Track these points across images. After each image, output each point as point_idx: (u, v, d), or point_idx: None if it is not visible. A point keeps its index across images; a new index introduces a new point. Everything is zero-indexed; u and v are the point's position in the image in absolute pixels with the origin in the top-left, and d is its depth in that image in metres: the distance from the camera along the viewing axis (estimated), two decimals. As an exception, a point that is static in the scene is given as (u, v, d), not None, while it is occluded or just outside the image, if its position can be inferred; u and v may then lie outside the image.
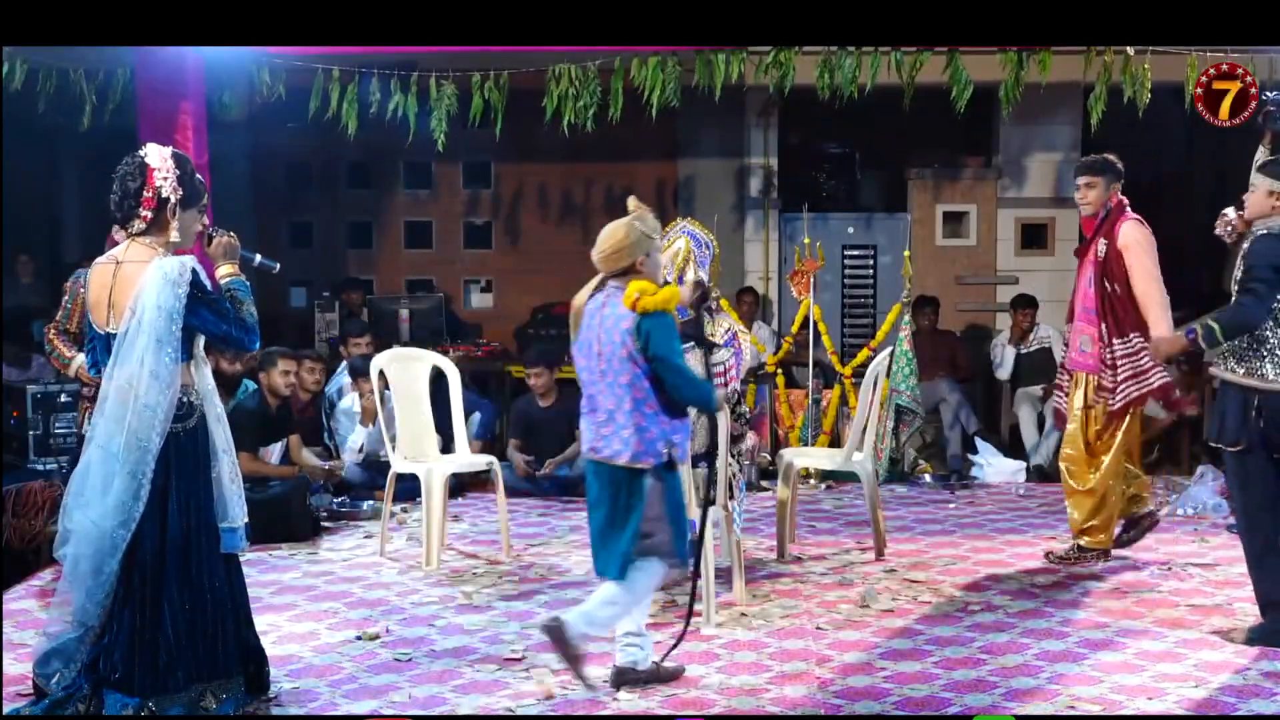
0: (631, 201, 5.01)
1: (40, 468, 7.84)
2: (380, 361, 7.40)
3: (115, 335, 4.46)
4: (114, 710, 4.43)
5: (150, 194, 4.51)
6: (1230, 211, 5.94)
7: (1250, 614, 5.82)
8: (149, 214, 4.52)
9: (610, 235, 4.89)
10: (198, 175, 4.66)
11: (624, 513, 4.81)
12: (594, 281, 4.94)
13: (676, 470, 4.90)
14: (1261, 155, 7.23)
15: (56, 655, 4.49)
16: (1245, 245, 5.59)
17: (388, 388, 7.49)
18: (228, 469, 4.65)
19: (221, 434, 4.64)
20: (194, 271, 4.46)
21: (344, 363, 9.01)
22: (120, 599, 4.46)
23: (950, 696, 4.88)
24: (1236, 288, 5.50)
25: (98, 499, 4.41)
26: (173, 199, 4.54)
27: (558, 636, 4.79)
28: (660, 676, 5.02)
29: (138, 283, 4.43)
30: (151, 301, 4.40)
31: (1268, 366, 5.38)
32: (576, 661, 4.83)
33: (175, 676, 4.47)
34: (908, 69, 8.19)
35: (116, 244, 5.54)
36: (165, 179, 4.52)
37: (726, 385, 5.96)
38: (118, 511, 4.39)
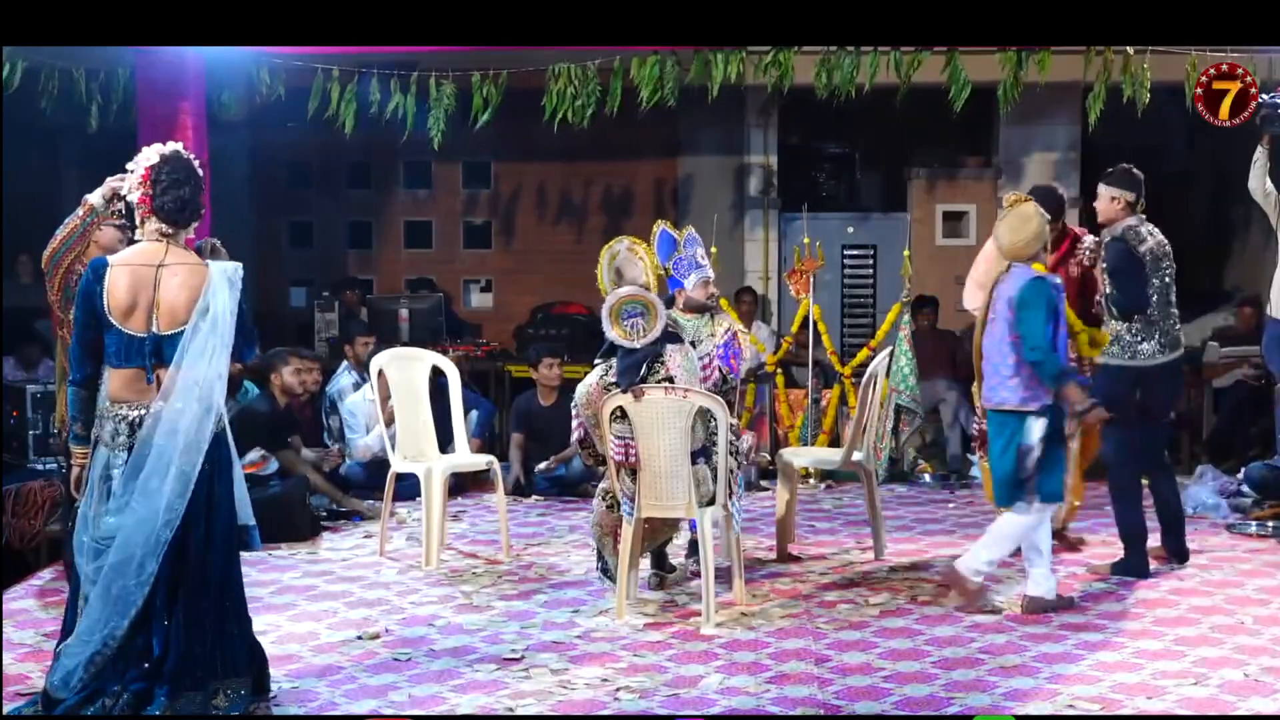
0: (1011, 196, 6.14)
1: (40, 468, 7.83)
2: (380, 361, 7.41)
3: (164, 338, 4.51)
4: (137, 705, 4.45)
5: (202, 195, 4.69)
6: (1088, 238, 6.86)
7: (1248, 612, 5.88)
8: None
9: (1024, 226, 5.86)
10: None
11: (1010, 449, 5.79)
12: (1003, 268, 5.92)
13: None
14: (1260, 155, 7.28)
15: (71, 661, 4.49)
16: (1102, 252, 6.59)
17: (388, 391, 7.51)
18: (239, 468, 4.77)
19: (231, 434, 4.75)
20: None
21: (344, 363, 9.01)
22: (164, 596, 4.49)
23: (950, 696, 4.88)
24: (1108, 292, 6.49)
25: (143, 500, 4.44)
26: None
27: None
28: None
29: (192, 285, 4.52)
30: (223, 305, 4.52)
31: (1144, 346, 6.39)
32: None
33: (194, 674, 4.52)
34: (906, 69, 8.19)
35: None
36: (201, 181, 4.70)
37: (709, 378, 6.00)
38: (166, 511, 4.45)
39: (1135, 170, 6.64)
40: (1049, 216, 6.21)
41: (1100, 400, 5.96)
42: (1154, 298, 6.45)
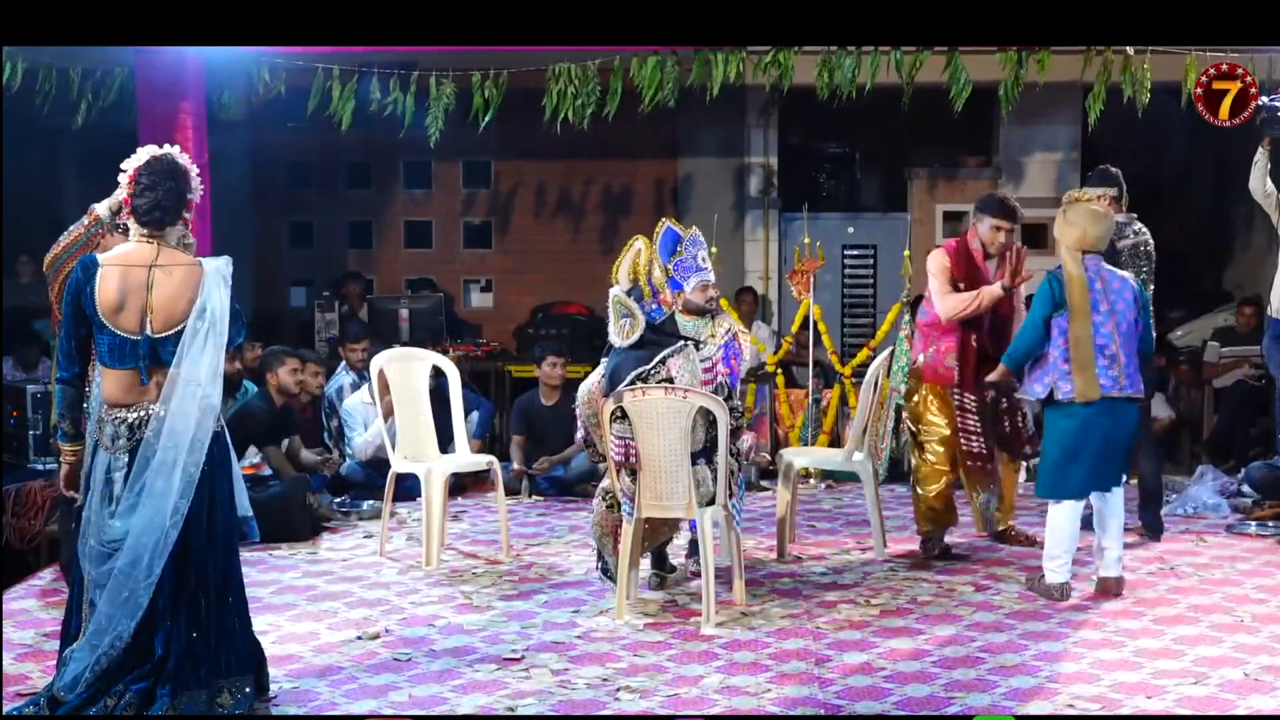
0: (1075, 193, 6.33)
1: (40, 468, 7.82)
2: (380, 361, 7.41)
3: (159, 339, 4.51)
4: (140, 705, 4.46)
5: (191, 197, 4.66)
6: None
7: (1247, 610, 5.89)
8: (188, 216, 4.66)
9: (1105, 219, 6.13)
10: None
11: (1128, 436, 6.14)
12: (1080, 258, 6.05)
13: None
14: (1260, 156, 7.29)
15: (78, 665, 4.49)
16: None
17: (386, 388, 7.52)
18: (237, 464, 4.84)
19: (230, 433, 4.78)
20: None
21: (343, 363, 9.01)
22: (167, 596, 4.51)
23: (950, 696, 4.88)
24: None
25: (150, 502, 4.45)
26: (196, 200, 4.70)
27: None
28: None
29: (189, 285, 4.52)
30: (220, 303, 4.53)
31: None
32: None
33: (197, 673, 4.54)
34: (907, 69, 8.19)
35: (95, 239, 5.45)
36: (197, 185, 4.69)
37: (714, 380, 5.97)
38: (173, 513, 4.46)
39: (1110, 168, 7.05)
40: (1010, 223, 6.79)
41: None
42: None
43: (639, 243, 6.10)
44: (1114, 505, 6.14)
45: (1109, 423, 6.02)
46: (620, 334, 5.92)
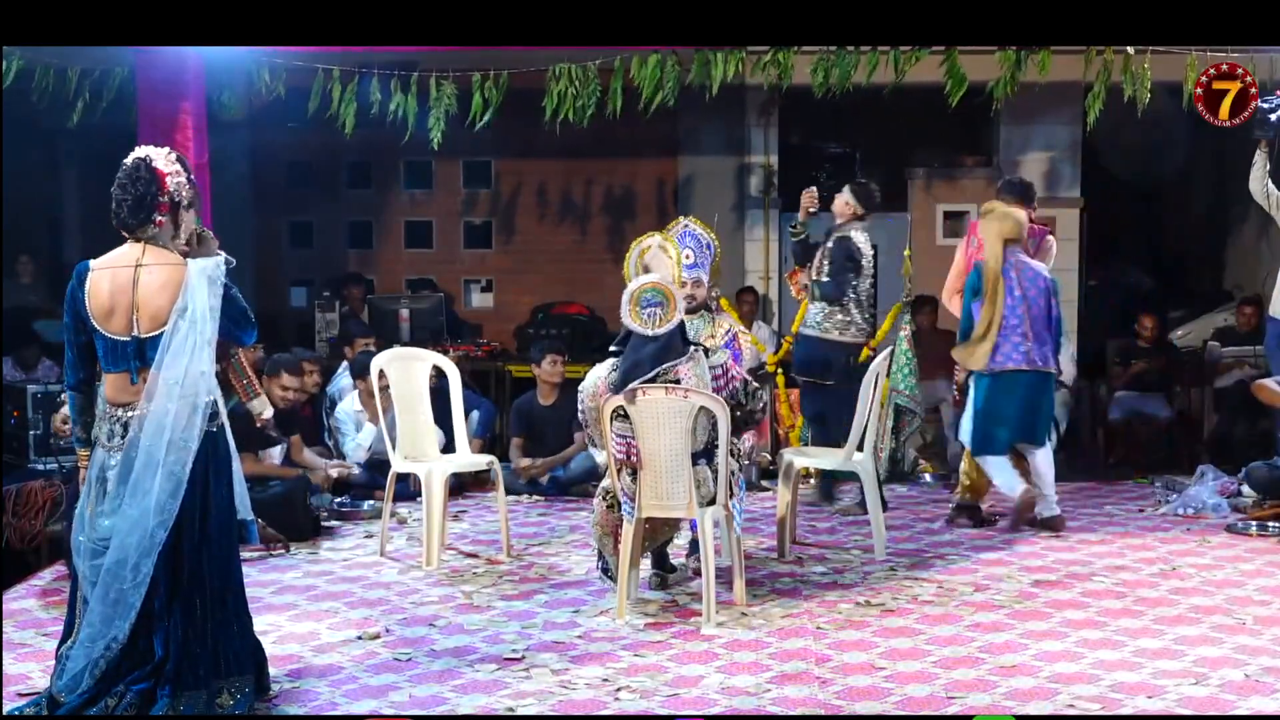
0: (989, 204, 7.36)
1: (40, 468, 7.82)
2: (380, 361, 7.41)
3: (147, 340, 4.52)
4: (140, 705, 4.46)
5: (165, 199, 4.59)
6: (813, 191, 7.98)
7: (1248, 611, 5.88)
8: (164, 219, 4.60)
9: (1008, 218, 7.22)
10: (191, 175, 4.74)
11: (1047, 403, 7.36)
12: (999, 253, 7.20)
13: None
14: (1260, 158, 7.29)
15: (75, 665, 4.50)
16: (828, 243, 7.84)
17: (386, 387, 7.50)
18: (239, 465, 4.79)
19: (230, 432, 4.76)
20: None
21: (344, 363, 9.01)
22: (163, 597, 4.51)
23: (950, 696, 4.88)
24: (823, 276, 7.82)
25: (135, 501, 4.46)
26: (184, 202, 4.64)
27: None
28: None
29: (171, 285, 4.51)
30: (203, 303, 4.51)
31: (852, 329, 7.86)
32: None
33: (196, 673, 4.54)
34: (900, 65, 8.18)
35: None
36: (178, 184, 4.62)
37: (727, 386, 5.92)
38: (157, 511, 4.46)
39: (870, 184, 8.01)
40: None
41: (807, 364, 7.93)
42: (868, 291, 7.90)
43: (637, 250, 6.07)
44: (1043, 459, 7.34)
45: (1022, 390, 7.19)
46: (652, 323, 5.75)
